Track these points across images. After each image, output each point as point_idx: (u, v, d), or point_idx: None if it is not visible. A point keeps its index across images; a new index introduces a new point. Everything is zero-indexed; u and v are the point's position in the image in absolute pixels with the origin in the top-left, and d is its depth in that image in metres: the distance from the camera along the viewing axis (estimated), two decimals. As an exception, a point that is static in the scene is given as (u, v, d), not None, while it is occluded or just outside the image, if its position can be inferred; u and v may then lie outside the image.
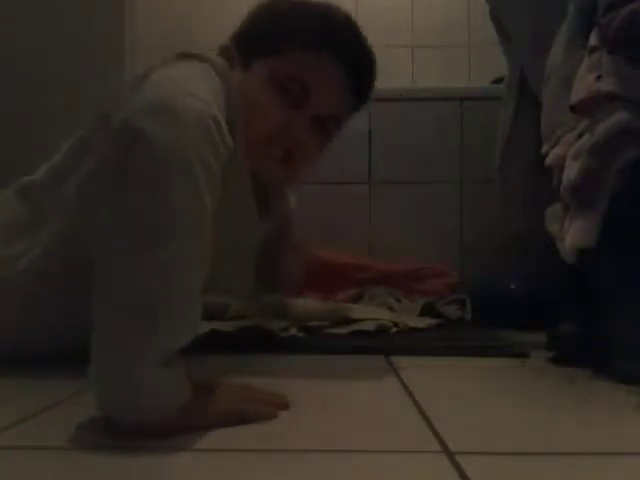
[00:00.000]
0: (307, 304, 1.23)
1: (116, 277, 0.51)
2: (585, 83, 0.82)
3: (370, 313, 1.22)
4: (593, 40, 0.84)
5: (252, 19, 0.85)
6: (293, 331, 1.11)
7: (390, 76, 2.21)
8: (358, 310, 1.24)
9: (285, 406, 0.62)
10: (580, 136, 0.83)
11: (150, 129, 0.52)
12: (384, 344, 1.02)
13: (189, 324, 0.55)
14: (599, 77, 0.80)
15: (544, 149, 0.93)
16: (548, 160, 0.91)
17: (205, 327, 1.10)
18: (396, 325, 1.17)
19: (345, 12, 0.84)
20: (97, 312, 0.51)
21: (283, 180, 0.90)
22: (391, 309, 1.38)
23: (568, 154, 0.84)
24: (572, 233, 0.81)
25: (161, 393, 0.52)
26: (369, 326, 1.13)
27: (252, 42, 0.82)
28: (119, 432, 0.51)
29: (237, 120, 0.72)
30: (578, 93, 0.83)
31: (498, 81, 1.75)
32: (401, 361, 0.90)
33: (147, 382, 0.50)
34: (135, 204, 0.52)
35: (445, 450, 0.49)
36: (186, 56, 0.74)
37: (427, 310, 1.34)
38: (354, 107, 0.86)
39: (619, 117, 0.77)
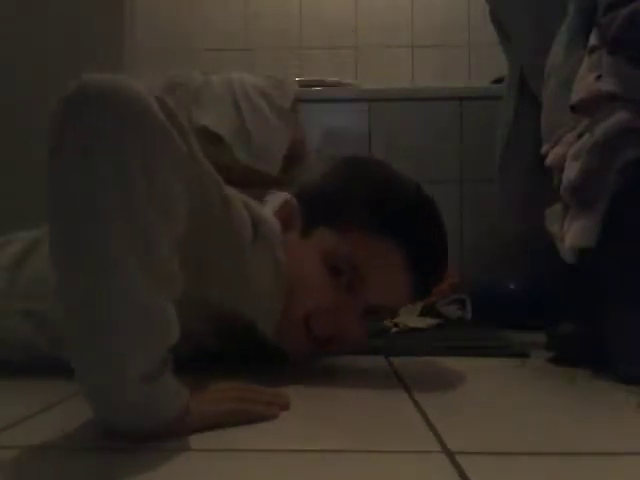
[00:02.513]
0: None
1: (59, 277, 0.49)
2: (585, 83, 0.82)
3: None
4: (593, 40, 0.84)
5: (323, 184, 0.78)
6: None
7: (390, 76, 2.23)
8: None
9: (286, 406, 0.62)
10: (580, 136, 0.83)
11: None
12: (384, 344, 1.02)
13: (150, 330, 0.49)
14: (599, 77, 0.80)
15: (544, 149, 0.93)
16: (548, 160, 0.91)
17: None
18: (396, 325, 1.17)
19: (420, 191, 0.77)
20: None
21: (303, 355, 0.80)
22: (391, 309, 1.38)
23: (568, 154, 0.84)
24: (572, 233, 0.81)
25: (151, 409, 0.50)
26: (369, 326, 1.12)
27: (317, 206, 0.75)
28: (119, 435, 0.51)
29: (279, 288, 0.69)
30: (578, 93, 0.83)
31: (498, 81, 1.75)
32: (401, 361, 0.90)
33: (131, 400, 0.48)
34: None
35: (445, 450, 0.49)
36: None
37: (427, 310, 1.34)
38: (413, 299, 0.78)
39: (619, 117, 0.77)
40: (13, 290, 0.78)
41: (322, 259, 0.72)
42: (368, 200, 0.73)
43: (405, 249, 0.71)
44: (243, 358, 0.83)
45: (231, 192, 0.65)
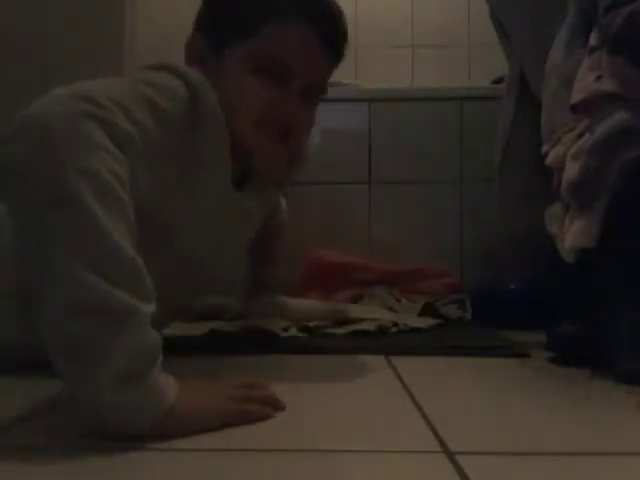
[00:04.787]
0: (307, 304, 1.23)
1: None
2: (585, 83, 0.82)
3: (370, 313, 1.22)
4: (593, 40, 0.84)
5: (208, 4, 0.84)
6: (293, 331, 1.11)
7: (390, 76, 2.23)
8: (358, 310, 1.24)
9: (282, 407, 0.62)
10: (580, 136, 0.83)
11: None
12: (384, 344, 1.02)
13: (111, 330, 0.49)
14: (599, 77, 0.80)
15: (544, 149, 0.93)
16: (548, 160, 0.91)
17: (205, 327, 1.10)
18: (396, 325, 1.16)
19: None
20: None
21: (285, 167, 0.85)
22: (391, 309, 1.38)
23: (568, 154, 0.84)
24: (572, 233, 0.81)
25: (135, 409, 0.49)
26: (369, 326, 1.13)
27: (220, 27, 0.81)
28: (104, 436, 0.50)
29: (222, 115, 0.72)
30: (578, 93, 0.83)
31: (498, 81, 1.75)
32: (401, 361, 0.90)
33: (108, 401, 0.48)
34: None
35: (445, 450, 0.49)
36: (154, 67, 0.73)
37: (427, 310, 1.34)
38: (332, 66, 0.86)
39: (619, 117, 0.77)
40: None
41: (246, 68, 0.77)
42: None
43: (315, 25, 0.78)
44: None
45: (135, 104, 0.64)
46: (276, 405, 0.61)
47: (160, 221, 0.73)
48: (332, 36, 0.82)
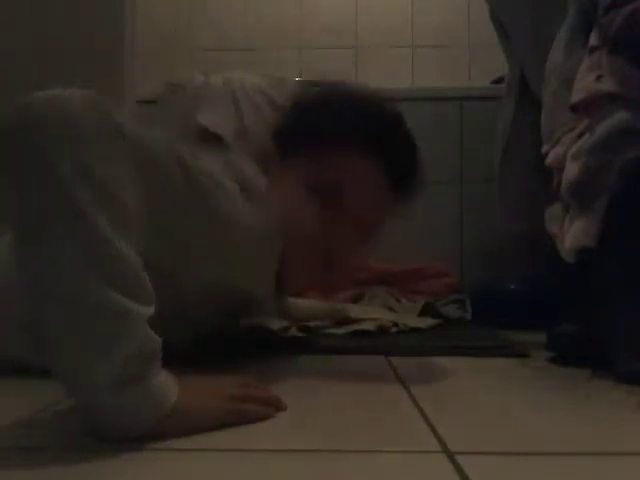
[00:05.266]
0: (307, 304, 1.23)
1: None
2: (585, 83, 0.82)
3: (370, 313, 1.22)
4: (593, 40, 0.84)
5: (291, 113, 0.82)
6: (293, 331, 1.11)
7: (390, 76, 2.22)
8: (358, 310, 1.24)
9: (284, 407, 0.61)
10: (580, 136, 0.83)
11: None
12: (384, 344, 1.02)
13: (106, 333, 0.49)
14: (599, 77, 0.80)
15: (544, 149, 0.93)
16: (548, 160, 0.91)
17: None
18: (396, 325, 1.16)
19: (393, 109, 0.79)
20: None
21: (314, 282, 0.83)
22: (391, 309, 1.38)
23: (568, 154, 0.84)
24: (572, 233, 0.81)
25: (132, 410, 0.49)
26: (369, 326, 1.13)
27: (289, 138, 0.79)
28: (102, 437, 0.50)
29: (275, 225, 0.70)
30: (578, 93, 0.83)
31: (498, 81, 1.75)
32: (401, 361, 0.90)
33: (106, 403, 0.49)
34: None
35: (445, 450, 0.49)
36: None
37: (427, 310, 1.34)
38: (395, 204, 0.80)
39: (619, 117, 0.77)
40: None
41: (304, 186, 0.74)
42: (346, 120, 0.75)
43: (379, 155, 0.74)
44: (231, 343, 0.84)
45: (204, 163, 0.64)
46: (277, 405, 0.61)
47: (188, 254, 0.69)
48: (397, 169, 0.77)
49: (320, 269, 0.76)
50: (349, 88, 0.80)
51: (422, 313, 1.33)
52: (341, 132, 0.75)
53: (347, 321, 1.16)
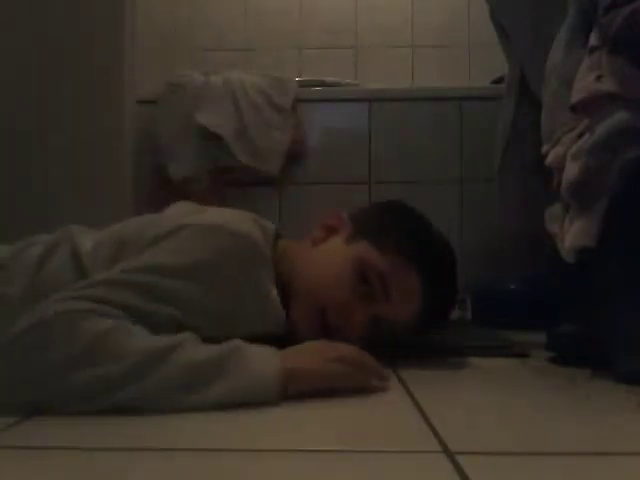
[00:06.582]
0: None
1: None
2: (585, 83, 0.82)
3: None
4: (593, 40, 0.84)
5: (374, 212, 0.96)
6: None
7: (390, 76, 2.23)
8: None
9: (387, 378, 0.71)
10: (580, 136, 0.83)
11: None
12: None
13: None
14: (599, 77, 0.80)
15: (544, 149, 0.93)
16: (548, 160, 0.91)
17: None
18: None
19: (448, 245, 0.91)
20: None
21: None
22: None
23: (568, 154, 0.84)
24: (572, 233, 0.81)
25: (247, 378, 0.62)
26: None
27: (368, 225, 0.89)
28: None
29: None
30: (578, 93, 0.83)
31: (498, 81, 1.75)
32: (401, 361, 0.90)
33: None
34: None
35: (445, 450, 0.49)
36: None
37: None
38: (413, 326, 0.85)
39: (619, 117, 0.77)
40: (30, 295, 0.78)
41: (354, 265, 0.82)
42: (411, 233, 0.87)
43: (426, 279, 0.83)
44: None
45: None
46: (380, 375, 0.69)
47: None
48: (433, 296, 0.83)
49: (325, 333, 0.80)
50: (426, 219, 0.93)
51: (422, 313, 1.33)
52: (408, 245, 0.84)
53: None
